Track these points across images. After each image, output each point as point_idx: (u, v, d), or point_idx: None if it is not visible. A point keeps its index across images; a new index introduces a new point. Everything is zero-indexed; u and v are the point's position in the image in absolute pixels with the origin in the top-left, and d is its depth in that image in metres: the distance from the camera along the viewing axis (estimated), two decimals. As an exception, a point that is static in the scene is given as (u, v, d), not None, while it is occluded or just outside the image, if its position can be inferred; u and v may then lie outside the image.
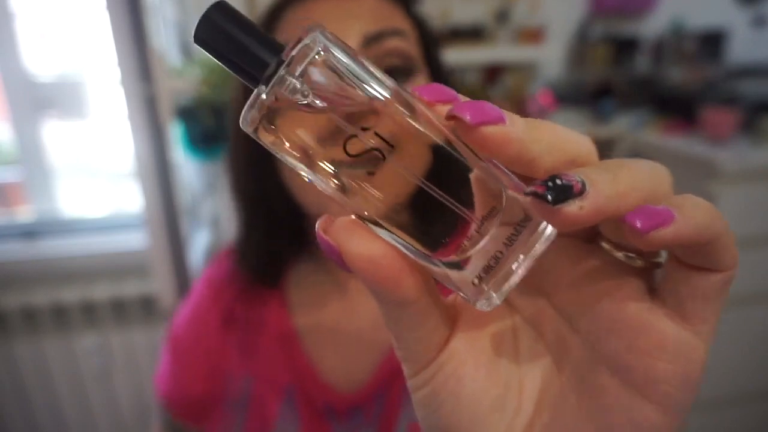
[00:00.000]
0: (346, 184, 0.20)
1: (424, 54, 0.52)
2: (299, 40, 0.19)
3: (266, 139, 0.20)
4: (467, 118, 0.18)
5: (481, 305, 0.20)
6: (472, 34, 1.61)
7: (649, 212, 0.17)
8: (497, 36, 1.65)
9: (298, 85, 0.19)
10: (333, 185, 0.20)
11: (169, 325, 0.62)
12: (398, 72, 0.47)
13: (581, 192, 0.17)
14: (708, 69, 1.74)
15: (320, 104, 0.19)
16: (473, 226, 0.20)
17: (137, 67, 1.12)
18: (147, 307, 1.53)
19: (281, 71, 0.19)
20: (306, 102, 0.19)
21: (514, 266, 0.20)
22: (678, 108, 1.55)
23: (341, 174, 0.20)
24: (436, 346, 0.21)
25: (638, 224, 0.17)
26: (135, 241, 1.51)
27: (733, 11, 1.92)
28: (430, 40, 0.54)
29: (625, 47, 1.78)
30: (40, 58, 1.52)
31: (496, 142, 0.18)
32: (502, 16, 1.65)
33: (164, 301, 1.31)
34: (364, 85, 0.20)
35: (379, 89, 0.20)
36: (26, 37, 1.47)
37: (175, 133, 1.24)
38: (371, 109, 0.20)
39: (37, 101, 1.52)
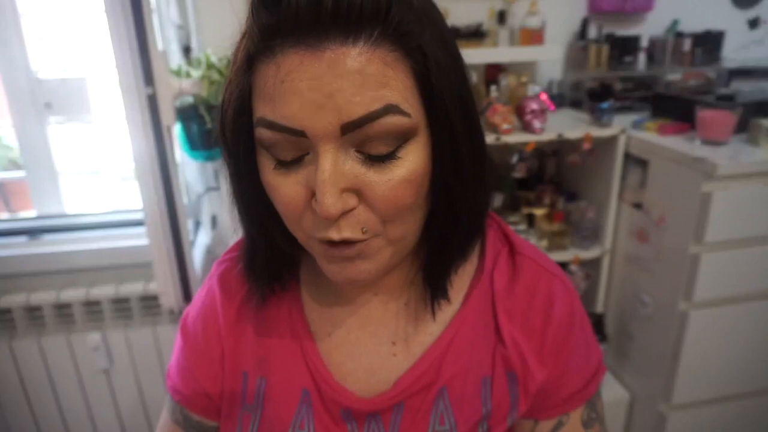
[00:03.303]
0: None
1: (429, 98, 0.39)
2: None
3: None
4: None
5: None
6: (472, 34, 1.61)
7: None
8: (497, 36, 1.65)
9: None
10: None
11: (183, 316, 0.61)
12: (391, 143, 0.39)
13: None
14: (706, 70, 1.75)
15: None
16: None
17: (139, 68, 1.12)
18: (149, 305, 1.54)
19: None
20: None
21: None
22: (676, 109, 1.55)
23: None
24: None
25: None
26: (138, 239, 1.52)
27: (731, 13, 1.93)
28: (441, 72, 0.39)
29: (624, 48, 1.79)
30: (43, 59, 1.53)
31: None
32: (502, 16, 1.66)
33: (166, 299, 1.31)
34: None
35: None
36: (30, 38, 1.48)
37: (175, 133, 1.25)
38: None
39: (41, 102, 1.53)
